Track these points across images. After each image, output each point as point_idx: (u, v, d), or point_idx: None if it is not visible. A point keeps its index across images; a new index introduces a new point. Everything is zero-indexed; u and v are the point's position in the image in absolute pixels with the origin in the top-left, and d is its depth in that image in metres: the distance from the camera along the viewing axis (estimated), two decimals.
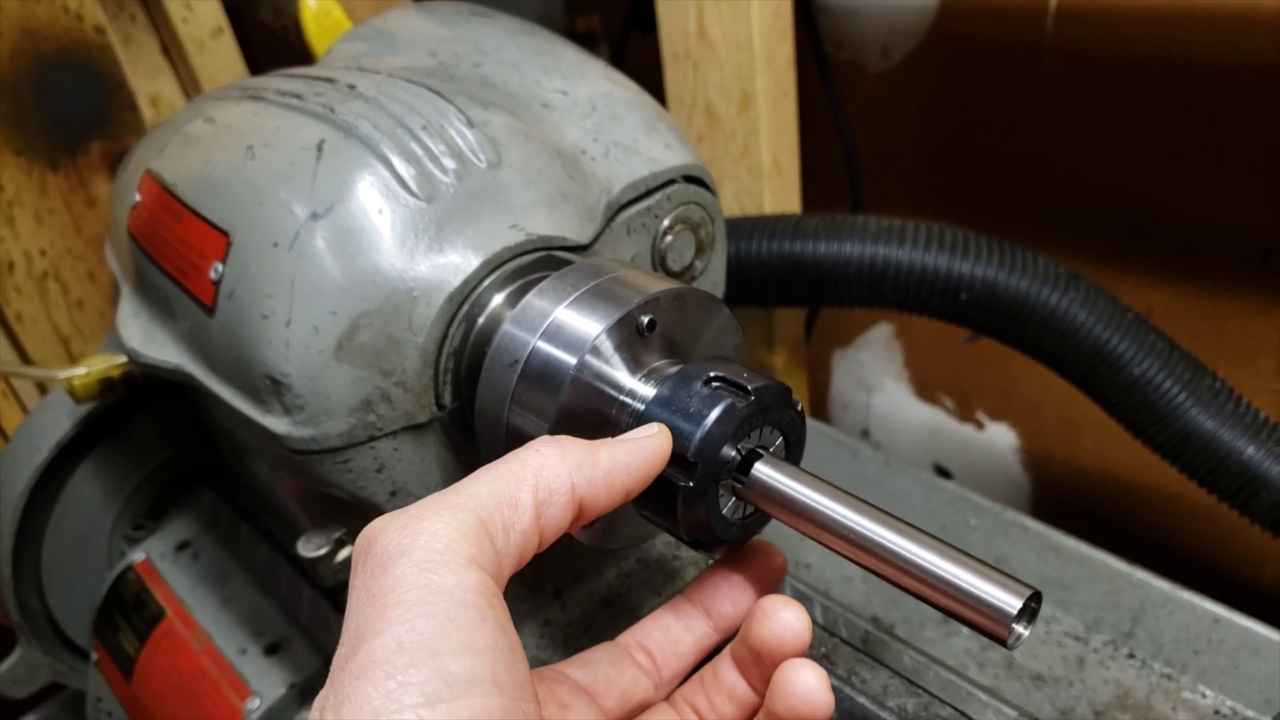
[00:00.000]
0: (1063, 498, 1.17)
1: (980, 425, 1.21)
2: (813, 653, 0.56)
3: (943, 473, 1.27)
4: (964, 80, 1.05)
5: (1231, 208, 0.91)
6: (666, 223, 0.55)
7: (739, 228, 0.90)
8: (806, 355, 1.14)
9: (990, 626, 0.33)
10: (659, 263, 0.55)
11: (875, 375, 1.29)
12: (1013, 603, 0.33)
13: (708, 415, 0.40)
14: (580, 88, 0.57)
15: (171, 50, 0.93)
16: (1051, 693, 0.76)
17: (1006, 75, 1.01)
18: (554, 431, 0.42)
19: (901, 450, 1.30)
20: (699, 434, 0.39)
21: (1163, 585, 0.77)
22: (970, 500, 0.87)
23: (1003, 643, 0.33)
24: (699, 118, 0.94)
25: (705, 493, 0.40)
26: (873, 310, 1.23)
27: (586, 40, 1.27)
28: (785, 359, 1.05)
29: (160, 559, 0.73)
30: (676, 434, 0.40)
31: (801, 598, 0.62)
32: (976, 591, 0.33)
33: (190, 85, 0.93)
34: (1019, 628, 0.33)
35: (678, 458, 0.40)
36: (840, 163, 1.10)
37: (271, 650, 0.66)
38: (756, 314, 1.03)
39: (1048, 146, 1.01)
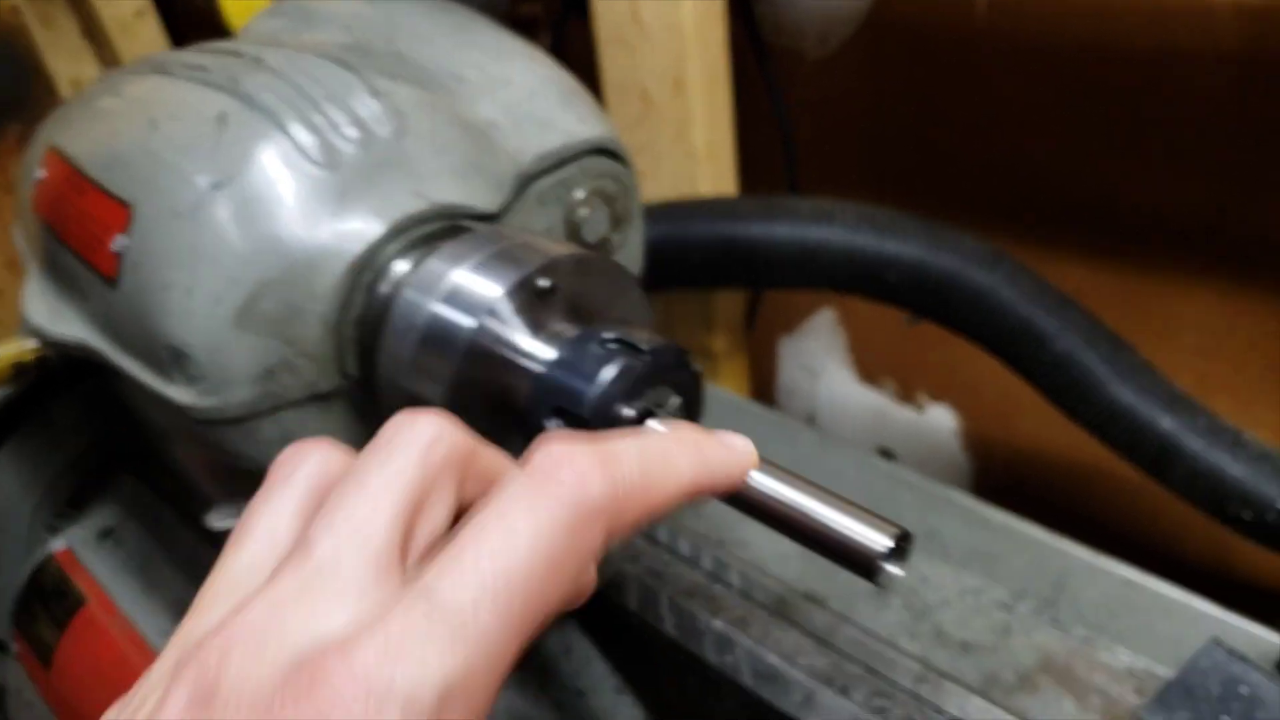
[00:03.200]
0: (1002, 478, 1.19)
1: (921, 408, 1.22)
2: (728, 616, 0.57)
3: (887, 455, 1.28)
4: (900, 66, 1.06)
5: (1152, 189, 0.94)
6: (580, 194, 0.55)
7: (674, 211, 0.91)
8: (749, 339, 1.15)
9: (861, 565, 0.34)
10: (573, 235, 0.56)
11: (820, 361, 1.30)
12: (882, 541, 0.33)
13: (602, 374, 0.40)
14: (495, 63, 0.57)
15: (93, 32, 0.91)
16: (977, 660, 0.78)
17: (941, 60, 1.03)
18: (452, 396, 0.42)
19: (847, 434, 1.31)
20: (592, 392, 0.40)
21: (1083, 552, 0.79)
22: (902, 477, 0.88)
23: (873, 580, 0.34)
24: (634, 102, 0.95)
25: None
26: (815, 295, 1.25)
27: (529, 26, 1.27)
28: (725, 342, 1.06)
29: (82, 547, 0.72)
30: (571, 393, 0.40)
31: (724, 567, 0.62)
32: (847, 532, 0.34)
33: (113, 67, 0.92)
34: (890, 566, 0.34)
35: (572, 416, 0.40)
36: (780, 148, 1.11)
37: None
38: (695, 297, 1.04)
39: (982, 130, 1.03)
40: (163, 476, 0.76)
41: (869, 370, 1.26)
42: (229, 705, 0.24)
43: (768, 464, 0.38)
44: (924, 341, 1.18)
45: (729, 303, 1.06)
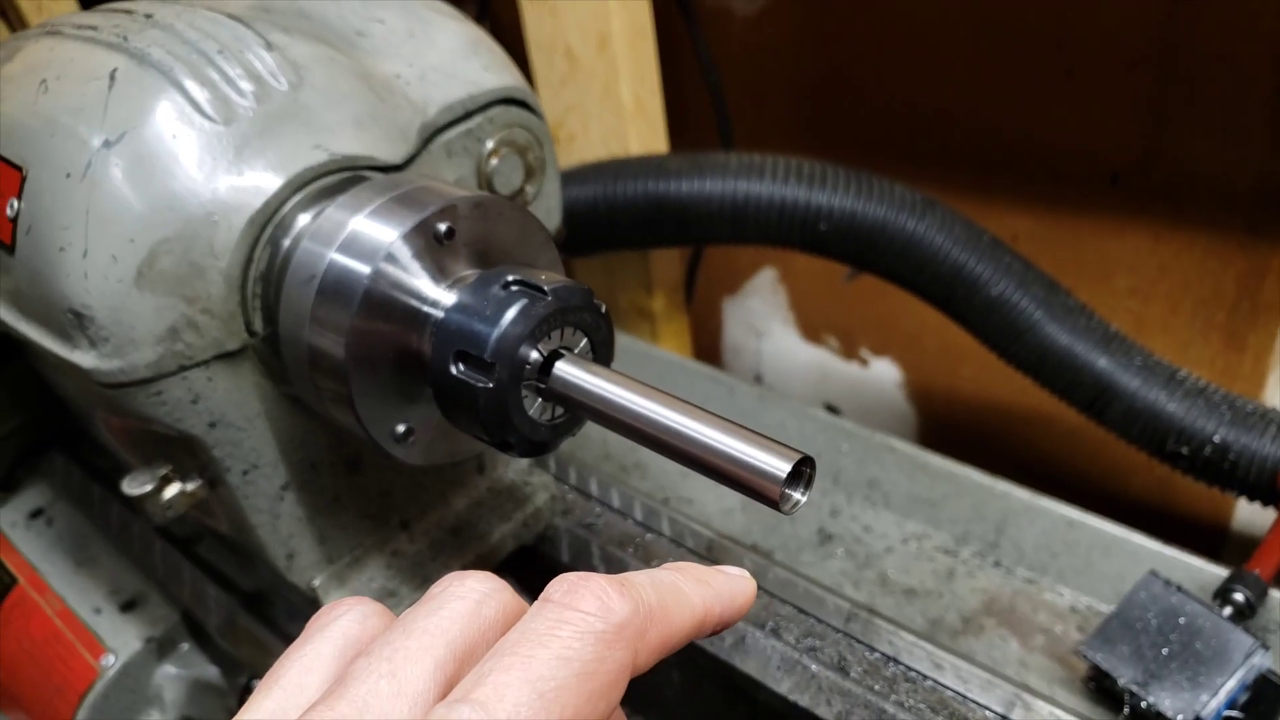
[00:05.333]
0: (947, 427, 1.21)
1: (864, 362, 1.23)
2: (659, 563, 0.57)
3: (833, 411, 1.29)
4: (829, 20, 1.06)
5: (1081, 131, 0.94)
6: (490, 145, 0.55)
7: (604, 170, 0.90)
8: (691, 299, 1.15)
9: (763, 491, 0.34)
10: (486, 186, 0.55)
11: (763, 320, 1.30)
12: (782, 466, 0.33)
13: (503, 316, 0.40)
14: (398, 16, 0.56)
15: (8, 11, 0.89)
16: (923, 605, 0.79)
17: (869, 13, 1.02)
18: (352, 348, 0.41)
19: (793, 392, 1.32)
20: (494, 334, 0.40)
21: (1023, 494, 0.80)
22: (841, 427, 0.89)
23: (775, 506, 0.34)
24: (560, 61, 0.94)
25: (507, 394, 0.40)
26: (756, 254, 1.25)
27: None
28: (664, 302, 1.06)
29: (12, 528, 0.71)
30: (473, 336, 0.40)
31: (654, 515, 0.63)
32: (746, 458, 0.34)
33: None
34: (792, 492, 0.34)
35: (475, 360, 0.40)
36: (712, 106, 1.11)
37: (128, 607, 0.65)
38: (632, 257, 1.04)
39: (913, 81, 1.03)
40: (93, 454, 0.75)
41: (811, 328, 1.27)
42: None
43: (667, 395, 0.38)
44: (863, 297, 1.19)
45: (667, 264, 1.06)
